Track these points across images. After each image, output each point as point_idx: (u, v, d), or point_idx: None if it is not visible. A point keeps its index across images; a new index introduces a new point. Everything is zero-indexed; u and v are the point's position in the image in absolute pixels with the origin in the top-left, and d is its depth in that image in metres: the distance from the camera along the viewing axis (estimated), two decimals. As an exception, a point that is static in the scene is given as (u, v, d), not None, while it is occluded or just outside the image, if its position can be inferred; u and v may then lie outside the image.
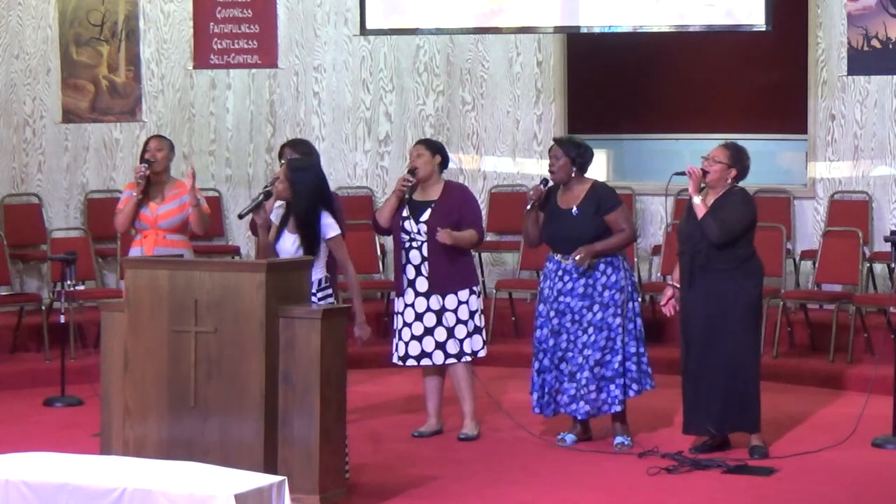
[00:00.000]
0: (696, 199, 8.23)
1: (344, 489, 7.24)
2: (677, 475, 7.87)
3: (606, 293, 8.46)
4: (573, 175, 8.55)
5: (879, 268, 11.60)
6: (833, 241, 11.30)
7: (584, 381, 8.43)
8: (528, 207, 8.60)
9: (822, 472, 7.94)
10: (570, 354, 8.49)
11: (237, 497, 5.94)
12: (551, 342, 8.53)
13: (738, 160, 8.31)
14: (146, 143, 9.29)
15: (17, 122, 12.74)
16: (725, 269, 8.22)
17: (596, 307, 8.46)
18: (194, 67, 13.00)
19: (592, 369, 8.42)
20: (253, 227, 8.39)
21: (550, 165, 8.58)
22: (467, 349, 8.76)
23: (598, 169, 8.95)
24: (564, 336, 8.50)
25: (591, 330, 8.46)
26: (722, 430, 8.33)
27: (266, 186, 7.95)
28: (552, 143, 8.74)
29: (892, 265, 9.38)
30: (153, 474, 6.23)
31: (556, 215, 8.57)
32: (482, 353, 8.85)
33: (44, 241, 12.32)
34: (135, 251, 9.01)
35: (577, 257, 8.40)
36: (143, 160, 9.14)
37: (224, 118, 13.11)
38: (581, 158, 8.55)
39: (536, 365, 8.61)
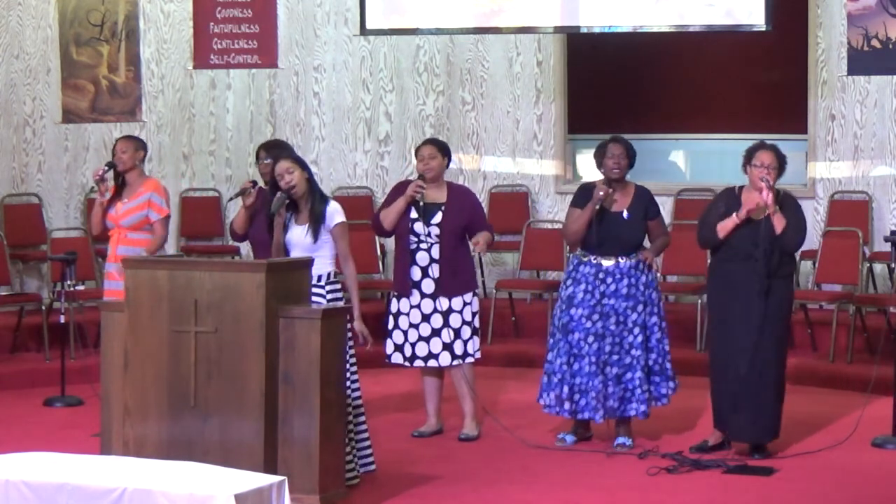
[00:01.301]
0: (776, 208, 8.16)
1: (345, 490, 7.25)
2: (677, 475, 7.87)
3: (647, 292, 8.48)
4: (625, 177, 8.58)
5: (879, 268, 11.60)
6: (833, 241, 11.30)
7: (637, 382, 8.42)
8: (596, 206, 8.43)
9: (822, 472, 7.94)
10: (616, 357, 8.45)
11: (237, 497, 5.94)
12: (594, 346, 8.45)
13: (784, 160, 8.31)
14: (114, 145, 9.26)
15: (17, 122, 12.74)
16: (786, 276, 8.30)
17: (640, 307, 8.45)
18: (194, 67, 13.00)
19: (643, 369, 8.43)
20: (233, 233, 8.39)
21: (614, 165, 8.48)
22: (470, 350, 8.76)
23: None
24: (609, 339, 8.44)
25: (636, 330, 8.44)
26: (765, 438, 8.33)
27: (247, 189, 8.06)
28: (610, 142, 8.57)
29: (892, 265, 9.37)
30: (153, 474, 6.23)
31: (604, 218, 8.49)
32: (478, 356, 8.85)
33: (44, 241, 12.32)
34: (109, 248, 9.04)
35: (650, 260, 8.43)
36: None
37: (224, 118, 13.11)
38: (634, 160, 8.56)
39: (568, 370, 8.47)
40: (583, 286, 8.51)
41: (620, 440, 8.53)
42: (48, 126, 12.81)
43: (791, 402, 9.05)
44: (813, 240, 11.90)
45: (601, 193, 8.42)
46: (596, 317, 8.47)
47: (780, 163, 8.26)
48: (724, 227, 8.22)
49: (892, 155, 11.82)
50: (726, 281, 8.30)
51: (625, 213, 8.51)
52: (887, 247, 9.22)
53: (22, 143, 12.76)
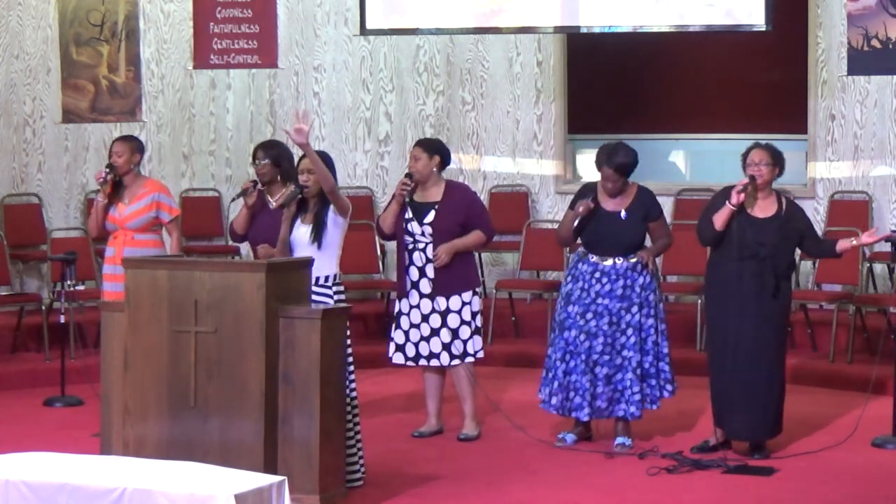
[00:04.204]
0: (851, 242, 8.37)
1: (345, 489, 7.25)
2: (677, 475, 7.87)
3: (643, 294, 8.46)
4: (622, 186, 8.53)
5: (879, 268, 11.60)
6: (833, 241, 11.30)
7: (628, 383, 8.41)
8: (577, 218, 8.46)
9: (822, 472, 7.94)
10: (607, 357, 8.44)
11: (237, 497, 5.94)
12: (585, 344, 8.45)
13: (779, 158, 8.33)
14: (111, 146, 9.22)
15: (17, 122, 12.74)
16: (789, 277, 8.39)
17: (634, 308, 8.44)
18: (194, 67, 13.01)
19: (635, 370, 8.41)
20: (233, 234, 8.39)
21: (604, 183, 8.46)
22: (470, 350, 8.76)
23: (599, 169, 8.91)
24: (601, 339, 8.44)
25: (629, 331, 8.43)
26: (763, 436, 8.34)
27: (248, 189, 8.08)
28: (604, 165, 8.44)
29: (892, 265, 9.39)
30: (153, 474, 6.23)
31: (601, 217, 8.49)
32: (481, 355, 8.85)
33: (44, 241, 12.32)
34: (109, 251, 9.00)
35: (645, 260, 8.39)
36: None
37: (224, 118, 13.11)
38: (631, 167, 8.49)
39: (562, 366, 8.50)
40: (580, 284, 8.52)
41: (620, 440, 8.52)
42: (48, 126, 12.81)
43: (791, 402, 9.06)
44: (813, 240, 11.93)
45: (580, 209, 8.45)
46: (589, 315, 8.47)
47: (774, 160, 8.28)
48: (720, 216, 8.25)
49: (892, 155, 11.82)
50: (724, 278, 8.31)
51: (622, 214, 8.51)
52: (887, 247, 9.22)
53: (22, 143, 12.76)
